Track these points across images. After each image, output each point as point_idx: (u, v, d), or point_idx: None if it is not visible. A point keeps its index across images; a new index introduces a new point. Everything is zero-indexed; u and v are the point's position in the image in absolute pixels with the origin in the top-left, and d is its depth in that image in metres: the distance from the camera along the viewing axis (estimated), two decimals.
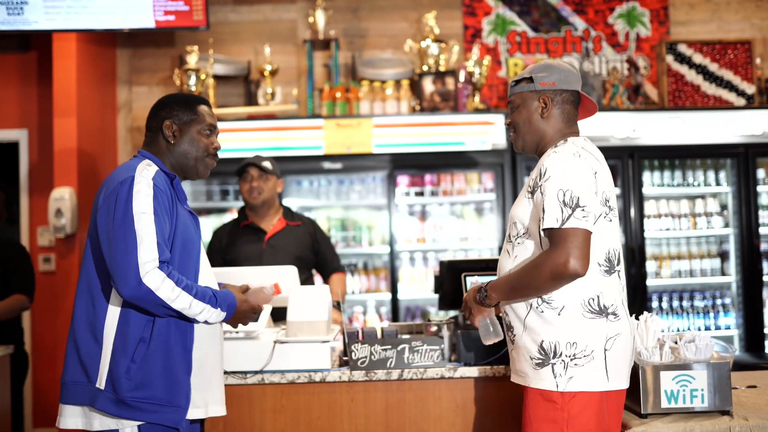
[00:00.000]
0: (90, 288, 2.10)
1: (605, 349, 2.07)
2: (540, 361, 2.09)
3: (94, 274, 2.10)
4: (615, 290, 2.12)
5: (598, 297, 2.08)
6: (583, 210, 2.02)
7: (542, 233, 2.08)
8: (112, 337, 2.04)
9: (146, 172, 2.09)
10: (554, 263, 2.01)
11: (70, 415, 2.08)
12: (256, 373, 2.67)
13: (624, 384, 2.13)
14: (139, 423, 2.03)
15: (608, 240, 2.12)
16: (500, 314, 2.30)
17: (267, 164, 3.65)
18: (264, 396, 2.68)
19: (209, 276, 2.27)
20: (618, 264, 2.15)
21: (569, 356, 2.06)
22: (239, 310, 2.23)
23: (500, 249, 4.96)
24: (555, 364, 2.07)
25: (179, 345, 2.09)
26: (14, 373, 3.91)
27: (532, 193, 2.14)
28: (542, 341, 2.09)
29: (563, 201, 2.03)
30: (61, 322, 4.78)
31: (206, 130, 2.27)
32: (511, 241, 2.22)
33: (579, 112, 2.32)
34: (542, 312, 2.10)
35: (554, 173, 2.08)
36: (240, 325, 2.63)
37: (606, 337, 2.08)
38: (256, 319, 2.34)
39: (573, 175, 2.06)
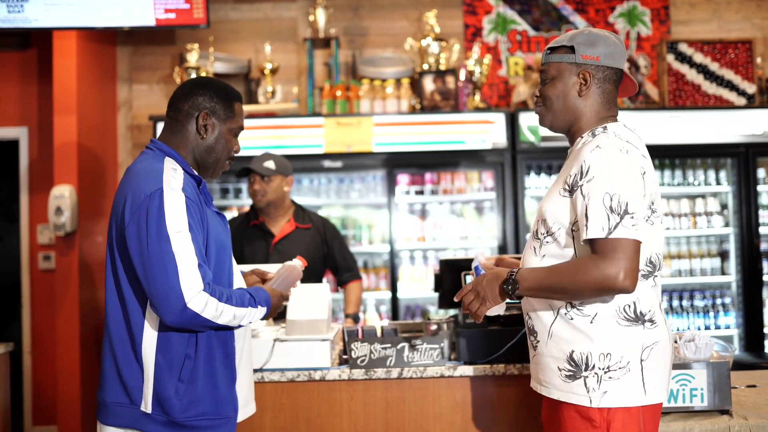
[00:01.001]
0: (124, 306, 1.97)
1: (641, 360, 1.89)
2: (571, 373, 1.91)
3: (128, 292, 1.96)
4: (653, 295, 1.94)
5: (634, 303, 1.90)
6: (632, 217, 1.82)
7: (582, 240, 1.88)
8: (153, 357, 1.93)
9: (175, 182, 1.93)
10: (603, 275, 1.81)
11: None
12: (255, 371, 2.67)
13: (662, 397, 1.94)
14: None
15: (651, 244, 1.93)
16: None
17: (269, 164, 3.57)
18: (263, 394, 2.68)
19: (238, 275, 2.21)
20: (659, 268, 1.96)
21: (603, 368, 1.88)
22: (273, 303, 2.13)
23: (500, 248, 4.97)
24: (588, 377, 1.89)
25: (222, 356, 2.02)
26: None
27: (571, 191, 1.92)
28: (572, 351, 1.91)
29: (610, 207, 1.82)
30: (61, 320, 4.78)
31: (237, 131, 2.13)
32: (538, 239, 2.02)
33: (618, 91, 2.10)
34: (571, 319, 1.92)
35: (599, 173, 1.85)
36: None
37: (642, 346, 1.90)
38: (280, 309, 2.23)
39: (621, 177, 1.85)
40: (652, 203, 1.93)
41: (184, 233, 1.88)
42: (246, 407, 2.16)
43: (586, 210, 1.86)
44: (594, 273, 1.82)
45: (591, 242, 1.86)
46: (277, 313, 2.20)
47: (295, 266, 2.32)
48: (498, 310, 2.05)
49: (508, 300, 2.01)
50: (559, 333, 1.95)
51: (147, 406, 1.93)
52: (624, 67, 2.06)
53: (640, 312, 1.91)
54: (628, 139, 1.95)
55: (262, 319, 2.12)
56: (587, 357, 1.90)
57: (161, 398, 1.93)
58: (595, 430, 1.89)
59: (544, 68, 2.09)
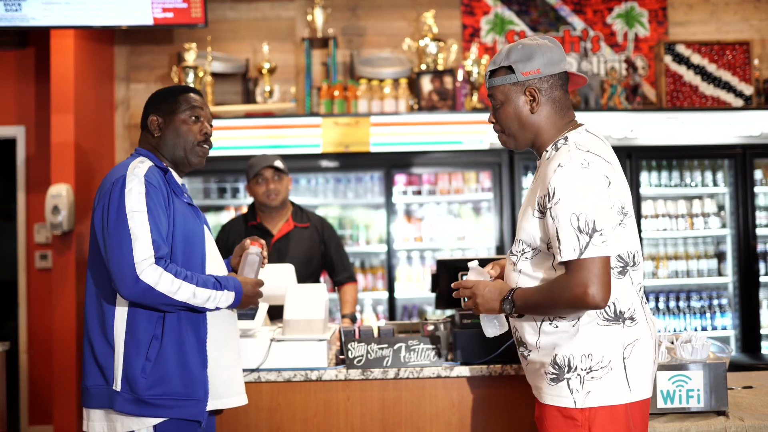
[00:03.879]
0: (97, 290, 2.09)
1: (624, 358, 1.92)
2: (555, 375, 1.95)
3: (99, 277, 2.09)
4: (632, 292, 1.96)
5: (614, 303, 1.93)
6: (601, 234, 1.85)
7: (556, 264, 1.93)
8: (123, 337, 2.03)
9: (138, 170, 2.07)
10: (572, 294, 1.86)
11: (96, 419, 2.08)
12: (252, 371, 2.67)
13: (647, 393, 1.98)
14: (161, 420, 2.03)
15: (622, 244, 1.95)
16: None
17: (279, 163, 3.58)
18: (260, 394, 2.68)
19: (220, 267, 2.26)
20: (633, 264, 1.98)
21: (585, 369, 1.92)
22: (246, 291, 2.18)
23: (497, 248, 4.98)
24: (570, 378, 1.93)
25: (193, 338, 2.08)
26: None
27: (542, 212, 1.95)
28: (555, 355, 1.96)
29: (578, 228, 1.85)
30: (58, 319, 4.77)
31: (190, 117, 2.22)
32: (515, 254, 2.07)
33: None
34: (557, 327, 1.97)
35: (564, 195, 1.87)
36: (238, 324, 2.63)
37: (624, 344, 1.93)
38: (258, 297, 2.28)
39: (585, 195, 1.86)
40: (623, 207, 1.95)
41: (141, 212, 2.00)
42: (231, 397, 2.19)
43: (557, 232, 1.89)
44: (567, 293, 1.88)
45: (565, 263, 1.90)
46: (255, 303, 2.25)
47: (250, 252, 2.34)
48: (500, 329, 2.13)
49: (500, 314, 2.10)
50: (544, 339, 2.00)
51: (117, 384, 2.02)
52: (567, 68, 2.06)
53: (620, 311, 1.95)
54: (589, 149, 1.95)
55: (239, 307, 2.18)
56: (569, 359, 1.94)
57: (129, 376, 2.01)
58: (578, 429, 1.93)
59: (490, 93, 2.09)
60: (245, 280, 2.22)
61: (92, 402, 2.07)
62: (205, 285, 2.05)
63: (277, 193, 3.57)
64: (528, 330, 2.04)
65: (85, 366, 2.09)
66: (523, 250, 2.04)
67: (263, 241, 2.41)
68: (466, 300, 2.16)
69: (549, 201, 1.91)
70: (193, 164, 2.25)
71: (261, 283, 2.28)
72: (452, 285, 2.17)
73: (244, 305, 2.22)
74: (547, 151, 2.04)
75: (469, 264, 2.22)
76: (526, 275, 2.03)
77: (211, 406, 2.12)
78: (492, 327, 2.15)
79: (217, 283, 2.09)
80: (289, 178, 3.67)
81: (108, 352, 2.04)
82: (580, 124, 2.07)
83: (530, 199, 2.04)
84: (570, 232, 1.86)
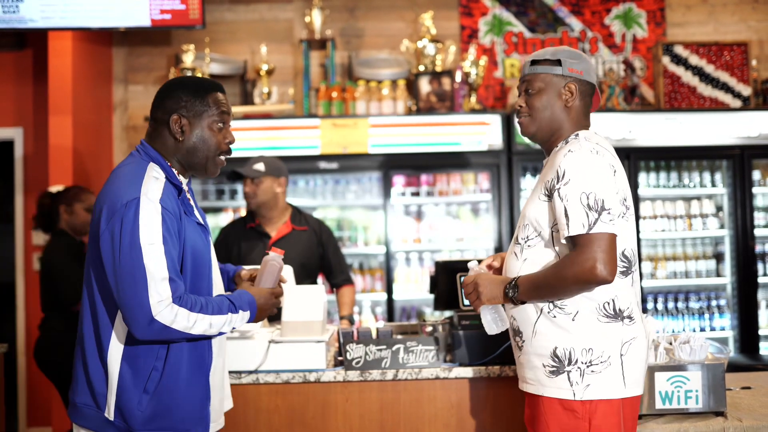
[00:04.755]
0: (95, 310, 1.94)
1: (621, 355, 1.99)
2: (554, 368, 2.01)
3: (98, 298, 1.93)
4: (630, 293, 2.04)
5: (613, 300, 2.00)
6: (609, 213, 1.93)
7: (563, 239, 1.98)
8: (118, 365, 1.89)
9: (153, 193, 1.88)
10: (581, 268, 1.91)
11: None
12: (250, 372, 2.66)
13: (639, 390, 2.05)
14: None
15: (625, 240, 2.03)
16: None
17: (258, 166, 3.56)
18: (259, 396, 2.68)
19: (219, 283, 2.14)
20: (635, 264, 2.06)
21: (585, 363, 1.97)
22: (260, 303, 2.06)
23: (496, 250, 4.97)
24: (571, 371, 1.98)
25: (196, 370, 1.95)
26: None
27: (549, 195, 2.02)
28: (555, 348, 2.00)
29: (588, 205, 1.93)
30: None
31: (219, 123, 2.02)
32: (519, 243, 2.12)
33: None
34: (554, 317, 2.01)
35: (574, 175, 1.96)
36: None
37: (622, 341, 1.99)
38: (276, 306, 2.15)
39: (594, 176, 1.96)
40: (625, 200, 2.04)
41: (158, 245, 1.84)
42: (220, 419, 2.10)
43: (566, 210, 1.96)
44: (574, 267, 1.93)
45: (572, 239, 1.96)
46: (273, 312, 2.15)
47: (270, 258, 2.22)
48: (501, 326, 2.15)
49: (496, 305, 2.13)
50: (542, 331, 2.04)
51: (110, 413, 1.90)
52: (596, 83, 2.19)
53: (619, 309, 2.01)
54: (597, 141, 2.06)
55: (253, 321, 2.06)
56: (570, 352, 1.99)
57: (123, 408, 1.89)
58: (578, 421, 1.98)
59: (528, 78, 2.16)
60: (259, 292, 2.08)
61: (81, 421, 1.95)
62: (220, 311, 1.93)
63: (253, 197, 3.58)
64: (525, 320, 2.07)
65: (77, 382, 1.96)
66: (527, 236, 2.09)
67: (282, 250, 2.29)
68: (468, 297, 2.17)
69: (558, 182, 1.99)
70: (210, 174, 2.07)
71: (279, 293, 2.15)
72: (463, 282, 2.20)
73: (260, 318, 2.09)
74: (557, 147, 2.13)
75: (469, 264, 2.25)
76: (530, 264, 2.07)
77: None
78: (494, 323, 2.15)
79: (232, 305, 1.96)
80: (277, 180, 3.60)
81: (101, 377, 1.91)
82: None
83: (538, 187, 2.11)
84: (579, 208, 1.94)
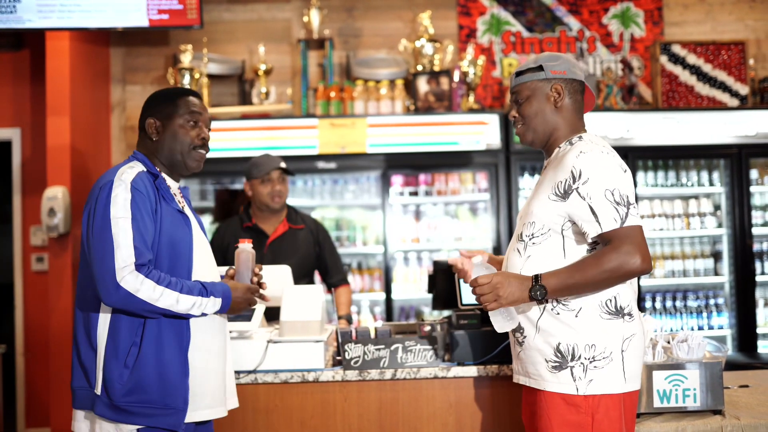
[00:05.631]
0: (83, 294, 2.09)
1: (622, 350, 2.04)
2: (557, 364, 2.05)
3: (86, 281, 2.08)
4: (630, 291, 2.09)
5: (615, 298, 2.05)
6: (635, 207, 2.01)
7: (590, 238, 2.01)
8: (104, 342, 2.03)
9: (126, 175, 2.06)
10: (623, 261, 1.95)
11: (80, 420, 2.10)
12: (249, 372, 2.66)
13: (637, 385, 2.10)
14: (138, 427, 2.02)
15: None
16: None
17: (285, 165, 3.62)
18: (257, 396, 2.68)
19: (212, 273, 2.21)
20: None
21: (588, 358, 2.02)
22: (235, 296, 2.16)
23: (494, 249, 4.98)
24: (574, 367, 2.03)
25: (174, 345, 2.05)
26: None
27: (564, 196, 2.04)
28: (558, 343, 2.05)
29: (615, 201, 1.99)
30: (54, 321, 4.76)
31: (189, 122, 2.21)
32: (523, 240, 2.14)
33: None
34: (558, 314, 2.05)
35: (594, 174, 2.01)
36: (234, 325, 2.62)
37: (623, 338, 2.04)
38: (256, 299, 2.26)
39: (614, 174, 2.01)
40: (634, 197, 2.07)
41: (125, 218, 2.00)
42: (216, 407, 2.15)
43: (592, 209, 2.00)
44: (616, 261, 1.96)
45: (604, 235, 2.00)
46: (248, 307, 2.24)
47: (240, 250, 2.31)
48: (511, 323, 2.11)
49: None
50: (546, 327, 2.07)
51: (98, 388, 2.02)
52: (584, 80, 2.22)
53: (620, 306, 2.05)
54: (603, 144, 2.11)
55: (227, 313, 2.18)
56: (573, 348, 2.04)
57: (107, 382, 2.01)
58: (581, 415, 2.01)
59: (516, 90, 2.23)
60: (235, 285, 2.19)
61: (77, 403, 2.09)
62: (190, 292, 2.04)
63: (281, 195, 3.58)
64: (526, 317, 2.11)
65: (73, 367, 2.11)
66: (533, 234, 2.11)
67: (250, 239, 2.38)
68: (482, 299, 2.09)
69: (575, 182, 2.02)
70: (191, 169, 2.23)
71: (255, 290, 2.25)
72: (469, 283, 2.15)
73: (235, 311, 2.20)
74: (560, 148, 2.17)
75: (473, 260, 2.18)
76: (534, 261, 2.10)
77: (194, 417, 2.08)
78: (504, 321, 2.11)
79: (203, 290, 2.07)
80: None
81: (91, 356, 2.05)
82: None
83: (544, 187, 2.12)
84: (607, 205, 1.98)
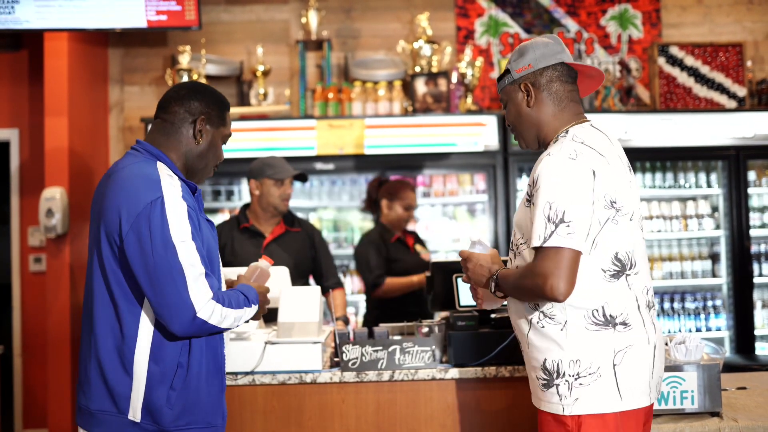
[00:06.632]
0: (117, 313, 1.93)
1: (614, 364, 1.87)
2: (545, 381, 1.92)
3: (122, 300, 1.92)
4: (624, 296, 1.90)
5: (603, 307, 1.88)
6: (568, 225, 1.81)
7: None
8: (145, 366, 1.91)
9: (173, 190, 1.91)
10: (533, 282, 1.85)
11: None
12: (246, 374, 2.66)
13: (644, 401, 1.91)
14: None
15: (616, 243, 1.90)
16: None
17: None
18: (255, 397, 2.68)
19: (223, 275, 2.21)
20: (632, 267, 1.92)
21: (573, 375, 1.87)
22: (262, 300, 2.14)
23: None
24: (559, 384, 1.89)
25: (212, 364, 2.02)
26: None
27: (529, 202, 1.94)
28: (545, 360, 1.92)
29: (548, 216, 1.84)
30: (52, 322, 4.76)
31: (226, 139, 2.15)
32: (513, 249, 2.06)
33: (583, 82, 2.11)
34: (543, 327, 1.92)
35: (543, 182, 1.87)
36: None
37: (614, 350, 1.88)
38: (267, 304, 2.24)
39: (562, 185, 1.85)
40: (613, 202, 1.90)
41: (189, 242, 1.88)
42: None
43: (533, 219, 1.88)
44: (529, 280, 1.87)
45: (534, 250, 1.89)
46: (265, 310, 2.21)
47: (262, 265, 2.31)
48: (494, 303, 2.13)
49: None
50: (533, 342, 1.96)
51: (136, 414, 1.91)
52: (565, 59, 2.05)
53: (610, 315, 1.89)
54: (584, 140, 1.94)
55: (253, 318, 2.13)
56: (558, 364, 1.90)
57: (152, 407, 1.91)
58: None
59: (501, 98, 2.15)
60: (259, 289, 2.15)
61: (97, 428, 1.94)
62: (239, 305, 1.99)
63: (288, 198, 3.64)
64: (520, 332, 2.03)
65: (91, 388, 1.94)
66: (517, 242, 2.04)
67: (272, 260, 2.39)
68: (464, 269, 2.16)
69: (533, 188, 1.92)
70: (200, 182, 2.15)
71: (268, 290, 2.24)
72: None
73: (259, 316, 2.17)
74: (546, 152, 2.03)
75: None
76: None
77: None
78: (472, 299, 2.18)
79: (246, 300, 2.03)
80: None
81: (124, 380, 1.91)
82: (587, 120, 2.06)
83: (524, 195, 2.06)
84: (541, 219, 1.85)
